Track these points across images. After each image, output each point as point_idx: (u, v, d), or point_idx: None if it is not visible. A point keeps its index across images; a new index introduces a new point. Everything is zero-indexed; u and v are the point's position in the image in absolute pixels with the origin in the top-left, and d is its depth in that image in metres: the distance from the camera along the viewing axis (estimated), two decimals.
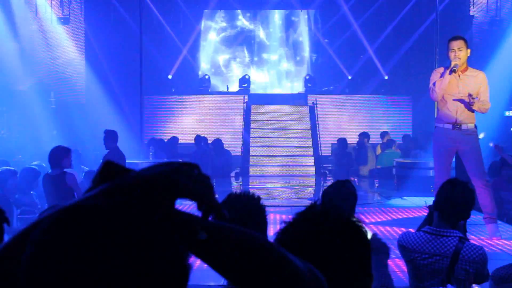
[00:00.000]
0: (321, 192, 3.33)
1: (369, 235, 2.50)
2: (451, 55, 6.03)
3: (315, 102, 16.18)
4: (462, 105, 6.05)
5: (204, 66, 19.04)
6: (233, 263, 0.73)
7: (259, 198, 2.36)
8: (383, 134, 13.90)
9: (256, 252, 0.74)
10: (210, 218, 0.75)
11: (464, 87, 6.07)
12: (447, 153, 6.16)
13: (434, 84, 6.14)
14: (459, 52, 5.99)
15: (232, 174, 13.72)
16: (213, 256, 0.74)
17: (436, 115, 6.39)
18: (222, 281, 4.49)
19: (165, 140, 13.83)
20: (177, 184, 0.70)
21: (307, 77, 17.95)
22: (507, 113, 12.77)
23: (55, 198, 5.73)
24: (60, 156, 6.11)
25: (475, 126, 6.20)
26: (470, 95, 5.93)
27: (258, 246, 0.74)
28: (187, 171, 0.72)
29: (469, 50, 6.11)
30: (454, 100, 6.04)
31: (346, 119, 15.82)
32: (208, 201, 0.73)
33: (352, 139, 14.26)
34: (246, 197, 2.33)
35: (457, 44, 6.01)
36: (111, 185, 0.69)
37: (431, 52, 11.96)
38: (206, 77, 17.58)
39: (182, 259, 0.69)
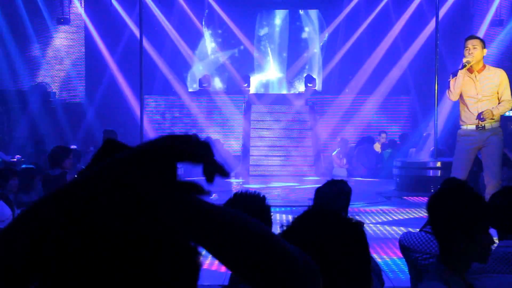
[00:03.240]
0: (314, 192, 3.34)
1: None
2: (466, 53, 6.05)
3: (315, 102, 16.17)
4: (483, 106, 6.02)
5: (204, 65, 19.04)
6: (231, 248, 0.73)
7: (264, 198, 2.37)
8: (380, 134, 13.95)
9: (255, 238, 0.73)
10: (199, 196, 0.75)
11: (482, 88, 6.05)
12: (468, 154, 6.14)
13: (449, 85, 6.16)
14: (474, 51, 5.99)
15: (232, 174, 13.72)
16: (212, 240, 0.73)
17: (459, 117, 6.35)
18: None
19: None
20: (175, 148, 0.70)
21: (307, 77, 17.94)
22: (507, 113, 12.76)
23: None
24: (60, 156, 6.12)
25: (499, 124, 6.19)
26: (479, 115, 5.95)
27: (257, 232, 0.74)
28: (185, 137, 0.72)
29: (485, 50, 6.10)
30: (475, 97, 6.04)
31: (345, 119, 15.79)
32: (210, 161, 0.72)
33: (352, 139, 14.29)
34: (251, 197, 2.34)
35: (471, 43, 6.03)
36: (108, 162, 0.69)
37: (431, 51, 11.94)
38: (207, 77, 17.57)
39: (192, 255, 0.68)
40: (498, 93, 6.06)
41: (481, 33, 13.97)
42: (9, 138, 13.45)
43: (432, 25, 14.89)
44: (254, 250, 0.73)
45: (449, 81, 6.18)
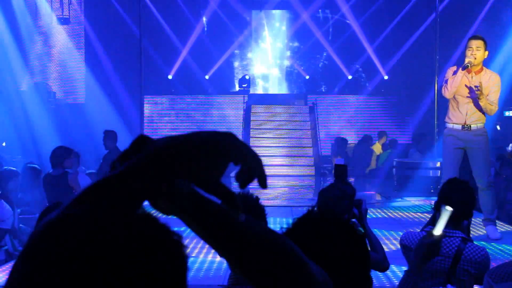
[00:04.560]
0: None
1: None
2: (468, 53, 6.00)
3: (315, 102, 16.19)
4: (473, 107, 6.04)
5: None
6: (253, 259, 0.73)
7: (257, 198, 2.38)
8: (381, 134, 13.94)
9: (274, 246, 0.73)
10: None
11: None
12: (456, 153, 6.15)
13: (446, 81, 6.14)
14: (476, 52, 5.96)
15: (232, 174, 13.70)
16: (236, 248, 0.73)
17: (446, 114, 6.36)
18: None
19: None
20: (234, 146, 0.70)
21: (307, 77, 17.96)
22: (507, 113, 12.77)
23: (56, 198, 5.74)
24: (62, 156, 6.14)
25: (485, 127, 6.20)
26: (477, 86, 5.93)
27: (275, 241, 0.74)
28: (238, 140, 0.71)
29: (487, 52, 6.07)
30: (465, 86, 6.04)
31: (346, 119, 15.80)
32: (259, 168, 0.72)
33: (352, 139, 14.29)
34: (245, 197, 2.35)
35: (476, 43, 5.99)
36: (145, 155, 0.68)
37: (431, 52, 11.95)
38: (207, 77, 17.58)
39: (179, 251, 0.68)
40: (487, 94, 6.05)
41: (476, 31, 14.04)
42: (9, 138, 13.45)
43: (427, 23, 14.91)
44: (273, 259, 0.73)
45: (446, 79, 6.18)
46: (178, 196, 0.71)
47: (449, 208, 2.25)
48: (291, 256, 0.74)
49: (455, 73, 6.07)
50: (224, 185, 0.72)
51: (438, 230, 2.30)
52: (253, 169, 0.72)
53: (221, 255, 0.74)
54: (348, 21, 17.29)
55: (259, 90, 19.29)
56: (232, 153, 0.71)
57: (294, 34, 18.99)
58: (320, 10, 18.48)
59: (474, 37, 6.14)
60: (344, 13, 17.24)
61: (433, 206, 3.42)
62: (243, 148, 0.72)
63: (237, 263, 0.74)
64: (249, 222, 0.73)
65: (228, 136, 0.71)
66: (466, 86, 6.02)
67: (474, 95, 5.94)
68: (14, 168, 6.70)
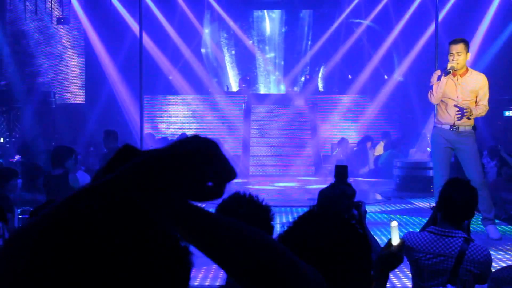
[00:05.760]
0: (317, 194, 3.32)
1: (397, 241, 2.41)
2: (450, 58, 6.07)
3: (315, 102, 16.18)
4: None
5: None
6: (238, 258, 0.73)
7: (262, 201, 2.37)
8: (385, 135, 13.93)
9: (263, 248, 0.73)
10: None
11: (462, 91, 6.10)
12: (445, 153, 6.23)
13: (431, 87, 6.19)
14: (458, 57, 6.02)
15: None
16: (221, 251, 0.73)
17: (435, 116, 6.45)
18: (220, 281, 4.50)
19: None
20: (211, 152, 0.70)
21: (307, 77, 17.95)
22: (507, 113, 12.75)
23: (57, 198, 5.73)
24: (63, 156, 6.13)
25: (473, 128, 6.26)
26: (462, 110, 6.00)
27: (264, 243, 0.74)
28: (214, 143, 0.72)
29: (469, 54, 6.13)
30: (455, 106, 6.09)
31: (346, 119, 15.79)
32: (225, 181, 0.72)
33: (352, 139, 14.29)
34: (252, 200, 2.33)
35: (456, 49, 6.03)
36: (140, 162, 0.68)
37: (431, 52, 11.94)
38: (206, 76, 17.58)
39: (184, 256, 0.68)
40: (477, 97, 6.10)
41: (481, 32, 14.07)
42: (8, 138, 13.45)
43: (433, 24, 14.88)
44: (260, 259, 0.73)
45: (431, 85, 6.22)
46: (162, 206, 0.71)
47: (394, 224, 2.32)
48: (280, 256, 0.75)
49: (439, 78, 6.12)
50: (209, 187, 0.71)
51: (395, 241, 2.35)
52: (222, 180, 0.72)
53: (211, 259, 0.74)
54: (355, 20, 17.28)
55: (259, 90, 19.29)
56: (214, 163, 0.71)
57: (294, 34, 18.98)
58: (325, 11, 18.48)
59: (454, 41, 6.14)
60: (348, 14, 17.22)
61: (432, 206, 3.42)
62: (223, 160, 0.71)
63: (225, 265, 0.74)
64: (234, 224, 0.74)
65: (212, 146, 0.71)
66: (455, 106, 6.08)
67: (464, 116, 6.01)
68: (13, 168, 6.70)
